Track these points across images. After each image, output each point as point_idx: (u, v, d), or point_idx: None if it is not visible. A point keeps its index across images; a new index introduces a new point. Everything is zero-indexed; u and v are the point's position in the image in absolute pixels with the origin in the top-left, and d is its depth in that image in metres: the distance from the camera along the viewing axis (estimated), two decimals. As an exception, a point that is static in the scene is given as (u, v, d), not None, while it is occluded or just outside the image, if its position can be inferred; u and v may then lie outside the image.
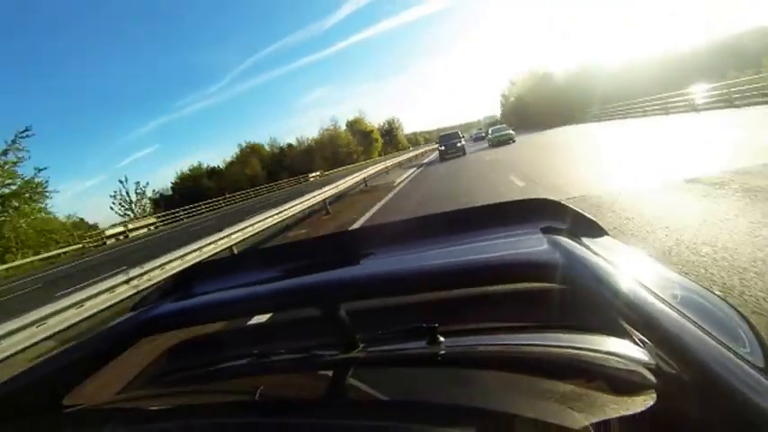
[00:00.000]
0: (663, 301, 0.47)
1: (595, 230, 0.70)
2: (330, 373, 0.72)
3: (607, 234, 0.70)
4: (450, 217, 0.84)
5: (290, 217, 9.44)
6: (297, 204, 9.67)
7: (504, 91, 68.58)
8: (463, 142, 23.43)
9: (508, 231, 0.73)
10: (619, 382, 0.51)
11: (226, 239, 6.97)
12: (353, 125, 64.48)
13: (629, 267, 0.55)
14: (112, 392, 0.84)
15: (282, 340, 1.02)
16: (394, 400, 0.59)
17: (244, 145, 58.31)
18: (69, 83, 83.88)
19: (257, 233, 8.04)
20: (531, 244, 0.65)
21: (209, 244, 6.53)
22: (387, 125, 75.05)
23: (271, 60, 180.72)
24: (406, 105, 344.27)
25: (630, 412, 0.44)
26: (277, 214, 8.65)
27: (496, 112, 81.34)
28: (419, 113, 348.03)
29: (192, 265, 0.97)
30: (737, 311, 0.54)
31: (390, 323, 0.73)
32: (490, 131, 29.16)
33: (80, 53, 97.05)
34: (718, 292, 0.59)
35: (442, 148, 23.57)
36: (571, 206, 0.74)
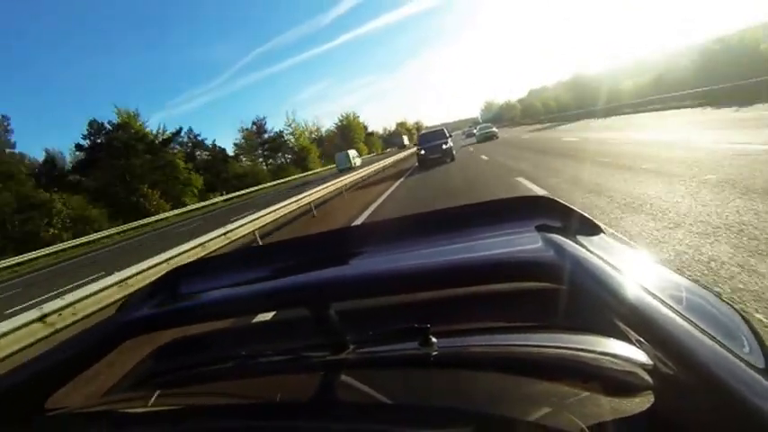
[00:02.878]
0: (660, 300, 0.46)
1: (592, 228, 0.69)
2: (320, 374, 0.70)
3: (604, 232, 0.69)
4: (443, 215, 0.83)
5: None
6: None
7: (481, 105, 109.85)
8: (450, 144, 16.70)
9: (503, 229, 0.72)
10: (615, 383, 0.50)
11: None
12: (402, 126, 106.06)
13: (626, 266, 0.54)
14: (97, 395, 0.82)
15: (271, 341, 1.01)
16: (385, 403, 0.58)
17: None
18: (67, 84, 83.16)
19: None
20: (525, 242, 0.64)
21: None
22: (416, 125, 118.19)
23: (272, 55, 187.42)
24: (410, 99, 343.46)
25: (627, 414, 0.43)
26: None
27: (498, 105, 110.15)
28: (424, 109, 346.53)
29: (180, 266, 0.94)
30: (737, 311, 0.53)
31: (382, 323, 0.72)
32: (477, 130, 34.59)
33: (77, 52, 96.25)
34: (717, 292, 0.58)
35: (422, 152, 16.95)
36: (567, 204, 0.73)
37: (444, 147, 16.44)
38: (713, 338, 0.40)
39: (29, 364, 0.67)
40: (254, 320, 1.51)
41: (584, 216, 0.70)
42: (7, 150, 30.58)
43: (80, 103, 79.29)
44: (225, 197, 35.00)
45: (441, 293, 0.83)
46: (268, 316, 1.24)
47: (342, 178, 14.48)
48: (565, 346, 0.61)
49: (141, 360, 0.97)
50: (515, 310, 0.83)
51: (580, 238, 0.64)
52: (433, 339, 0.66)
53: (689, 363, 0.37)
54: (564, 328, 0.66)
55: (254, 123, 48.37)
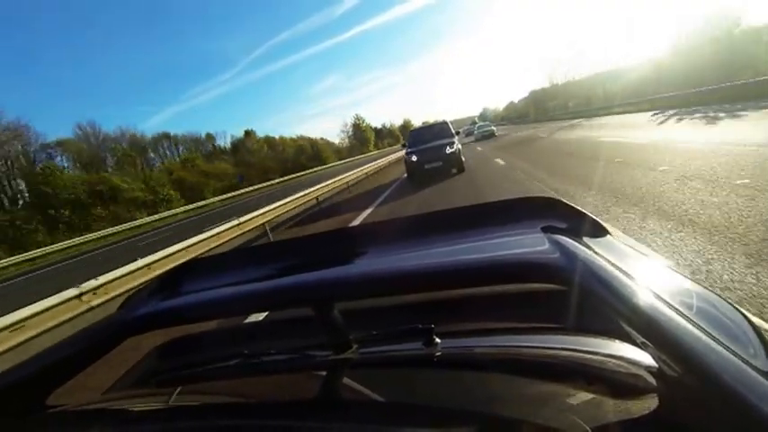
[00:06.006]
0: (666, 303, 0.46)
1: (598, 230, 0.68)
2: (323, 374, 0.70)
3: (609, 234, 0.68)
4: (448, 215, 0.82)
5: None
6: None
7: (480, 108, 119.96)
8: (458, 146, 11.08)
9: (508, 230, 0.71)
10: (620, 385, 0.50)
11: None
12: (424, 123, 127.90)
13: (632, 269, 0.54)
14: (98, 393, 0.82)
15: (274, 340, 1.01)
16: (389, 403, 0.58)
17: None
18: (76, 79, 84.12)
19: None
20: (531, 243, 0.64)
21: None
22: (434, 121, 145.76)
23: (283, 48, 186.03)
24: (418, 96, 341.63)
25: (631, 417, 0.43)
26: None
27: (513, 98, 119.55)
28: (430, 105, 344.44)
29: (183, 263, 0.94)
30: (742, 314, 0.53)
31: (386, 323, 0.72)
32: (476, 128, 35.68)
33: (89, 44, 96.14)
34: (722, 295, 0.57)
35: (413, 158, 11.13)
36: (574, 205, 0.72)
37: (448, 151, 10.88)
38: (719, 342, 0.40)
39: (30, 361, 0.67)
40: (258, 319, 1.51)
41: (591, 218, 0.70)
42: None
43: (91, 97, 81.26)
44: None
45: (445, 294, 0.84)
46: (272, 315, 1.24)
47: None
48: (570, 348, 0.61)
49: (143, 357, 0.97)
50: (520, 311, 0.83)
51: (586, 240, 0.64)
52: (437, 340, 0.66)
53: (694, 366, 0.37)
54: (569, 329, 0.66)
55: (382, 126, 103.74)
